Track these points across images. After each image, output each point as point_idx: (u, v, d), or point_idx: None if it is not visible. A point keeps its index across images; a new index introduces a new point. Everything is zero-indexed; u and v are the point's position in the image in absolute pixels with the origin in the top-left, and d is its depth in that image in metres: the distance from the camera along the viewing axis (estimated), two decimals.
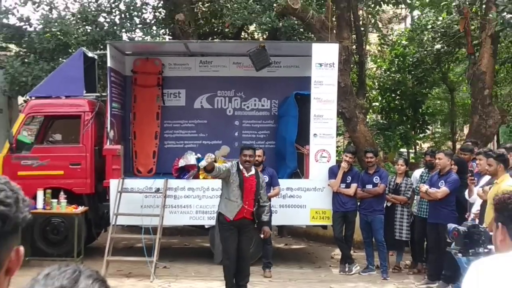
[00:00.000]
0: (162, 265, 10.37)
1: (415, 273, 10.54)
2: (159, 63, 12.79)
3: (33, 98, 11.81)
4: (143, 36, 15.45)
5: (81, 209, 10.70)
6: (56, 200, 10.55)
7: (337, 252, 11.27)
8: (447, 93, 19.43)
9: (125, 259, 10.28)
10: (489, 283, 2.44)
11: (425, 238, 10.38)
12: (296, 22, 14.82)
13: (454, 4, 14.99)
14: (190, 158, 11.55)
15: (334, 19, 13.64)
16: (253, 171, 8.50)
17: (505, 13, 10.82)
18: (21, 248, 1.51)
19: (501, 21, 10.99)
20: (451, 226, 3.58)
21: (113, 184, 10.59)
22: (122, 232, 10.93)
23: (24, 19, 15.51)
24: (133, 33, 15.61)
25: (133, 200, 10.53)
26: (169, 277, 9.98)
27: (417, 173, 10.86)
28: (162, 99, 12.85)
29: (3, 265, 1.45)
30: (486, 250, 3.07)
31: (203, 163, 8.06)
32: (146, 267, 9.85)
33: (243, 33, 16.26)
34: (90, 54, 12.04)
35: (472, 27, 13.59)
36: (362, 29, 17.71)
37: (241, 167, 8.31)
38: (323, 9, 14.21)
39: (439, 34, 17.32)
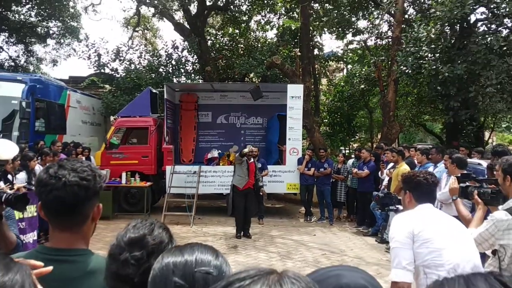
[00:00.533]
0: (198, 217, 10.37)
1: (349, 221, 10.55)
2: (196, 96, 12.81)
3: (119, 117, 11.83)
4: (186, 80, 15.45)
5: (149, 183, 10.70)
6: (133, 178, 10.58)
7: (302, 209, 11.25)
8: (368, 114, 19.41)
9: (175, 213, 10.25)
10: (417, 225, 2.51)
11: (354, 200, 10.42)
12: (277, 71, 14.82)
13: (372, 61, 15.01)
14: (214, 153, 11.63)
15: (300, 70, 13.65)
16: (252, 160, 8.90)
17: (402, 67, 10.82)
18: (100, 205, 1.58)
19: (400, 71, 11.00)
20: (374, 193, 3.58)
21: (168, 169, 10.60)
22: (173, 197, 10.90)
23: (114, 69, 15.50)
24: (180, 78, 15.62)
25: (180, 178, 10.53)
26: (202, 224, 9.97)
27: (350, 161, 10.86)
28: (198, 117, 12.87)
29: (90, 215, 1.52)
30: (395, 208, 3.08)
31: (245, 150, 8.77)
32: (188, 218, 9.88)
33: (246, 78, 16.25)
34: (154, 91, 12.08)
35: (383, 75, 13.59)
36: (317, 75, 17.71)
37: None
38: (294, 64, 14.20)
39: (363, 79, 17.31)
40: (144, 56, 16.01)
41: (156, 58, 15.65)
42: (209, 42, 16.78)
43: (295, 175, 10.75)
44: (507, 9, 9.13)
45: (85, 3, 21.14)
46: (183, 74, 15.58)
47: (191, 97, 12.75)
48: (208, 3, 16.31)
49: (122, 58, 15.58)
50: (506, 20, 9.68)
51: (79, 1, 22.77)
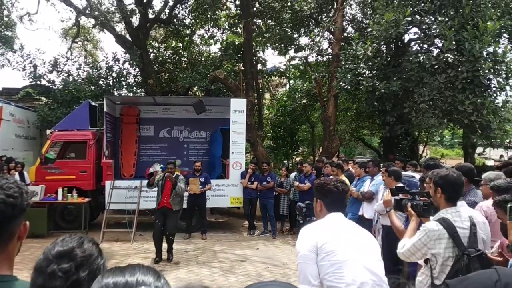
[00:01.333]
0: (139, 234, 10.06)
1: (292, 234, 10.63)
2: (137, 109, 12.53)
3: (56, 130, 11.33)
4: (128, 93, 15.11)
5: (87, 199, 10.28)
6: (70, 194, 10.13)
7: (246, 223, 11.22)
8: (310, 128, 19.83)
9: (115, 230, 9.89)
10: (321, 237, 2.43)
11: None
12: (221, 85, 14.83)
13: (313, 77, 15.40)
14: (156, 167, 11.29)
15: (244, 84, 13.75)
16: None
17: (341, 83, 11.17)
18: (27, 223, 1.50)
19: (339, 87, 11.35)
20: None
21: (107, 184, 10.23)
22: (113, 214, 10.54)
23: (51, 81, 14.88)
24: (121, 91, 15.24)
25: (120, 194, 10.20)
26: (143, 241, 9.65)
27: (292, 175, 10.99)
28: (139, 131, 12.59)
29: (16, 234, 1.45)
30: (314, 219, 3.10)
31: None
32: (129, 234, 9.57)
33: (189, 92, 16.13)
34: (93, 103, 11.71)
35: (323, 90, 13.96)
36: (261, 90, 17.91)
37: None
38: (237, 78, 14.28)
39: (305, 94, 17.70)
40: (83, 68, 15.47)
41: (96, 70, 15.16)
42: (152, 55, 16.52)
43: (238, 189, 10.72)
44: (438, 30, 9.71)
45: (21, 12, 20.27)
46: (124, 87, 15.20)
47: (133, 111, 12.45)
48: (150, 16, 16.09)
49: (59, 70, 14.97)
50: (436, 40, 10.28)
51: (14, 10, 21.57)
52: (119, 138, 12.26)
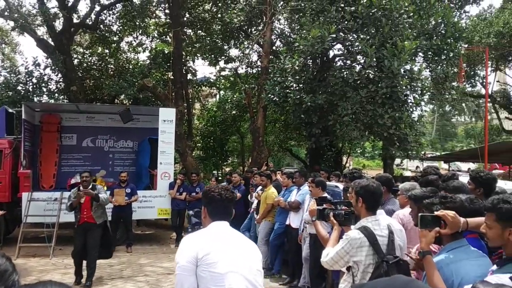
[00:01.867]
0: (59, 248, 9.50)
1: None
2: (59, 116, 11.91)
3: None
4: (49, 100, 14.32)
5: (1, 212, 9.51)
6: None
7: (173, 235, 11.00)
8: (239, 139, 19.97)
9: (32, 245, 9.28)
10: (203, 248, 2.37)
11: None
12: (149, 94, 14.52)
13: (242, 88, 15.55)
14: (78, 178, 10.80)
15: (173, 93, 13.56)
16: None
17: (270, 95, 11.36)
18: None
19: (268, 99, 11.54)
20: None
21: (24, 196, 9.57)
22: (31, 227, 9.88)
23: None
24: (41, 97, 14.42)
25: (39, 206, 9.58)
26: (63, 256, 9.12)
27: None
28: (60, 140, 11.96)
29: None
30: (202, 227, 3.02)
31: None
32: (48, 249, 9.01)
33: (116, 100, 15.61)
34: (10, 110, 10.99)
35: (253, 102, 14.12)
36: (190, 100, 17.76)
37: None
38: (167, 87, 14.05)
39: (234, 105, 17.82)
40: (0, 72, 14.49)
41: (14, 75, 14.23)
42: (76, 60, 15.81)
43: (166, 200, 10.49)
44: (360, 47, 10.20)
45: None
46: (45, 93, 14.39)
47: (54, 118, 11.81)
48: (75, 20, 15.42)
49: None
50: (359, 57, 10.78)
51: None
52: (38, 147, 11.56)
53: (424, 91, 10.63)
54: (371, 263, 2.97)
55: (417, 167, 33.41)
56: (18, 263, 8.19)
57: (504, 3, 23.03)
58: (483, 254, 2.62)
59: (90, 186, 7.35)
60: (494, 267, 2.28)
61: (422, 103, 11.17)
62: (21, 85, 14.04)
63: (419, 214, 2.65)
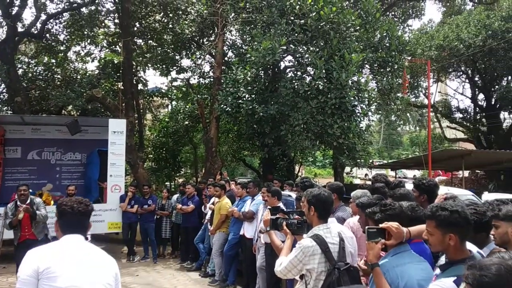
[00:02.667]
0: (2, 266, 9.03)
1: (174, 258, 10.42)
2: (2, 129, 11.38)
3: None
4: None
5: None
6: None
7: (125, 249, 10.70)
8: (193, 150, 19.81)
9: None
10: (45, 261, 2.32)
11: (179, 236, 10.35)
12: (99, 105, 14.15)
13: (195, 99, 15.47)
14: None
15: (123, 104, 13.28)
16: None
17: (222, 105, 11.36)
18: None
19: (220, 110, 11.55)
20: None
21: None
22: None
23: None
24: None
25: None
26: (7, 274, 8.69)
27: (175, 197, 10.79)
28: (4, 153, 11.41)
29: None
30: None
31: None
32: None
33: (63, 111, 15.10)
34: None
35: (205, 112, 14.08)
36: (142, 110, 17.46)
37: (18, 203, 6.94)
38: (117, 98, 13.75)
39: (187, 115, 17.68)
40: None
41: None
42: (21, 70, 15.16)
43: (117, 213, 10.20)
44: (309, 59, 10.44)
45: None
46: None
47: None
48: (20, 29, 14.82)
49: None
50: (309, 68, 11.03)
51: None
52: None
53: (371, 102, 11.01)
54: (323, 271, 3.03)
55: (365, 174, 34.39)
56: None
57: (443, 17, 24.35)
58: (424, 260, 2.77)
59: (28, 201, 6.99)
60: (437, 271, 2.39)
61: (369, 113, 11.57)
62: None
63: (366, 227, 2.77)
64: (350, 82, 10.04)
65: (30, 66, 16.17)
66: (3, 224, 9.04)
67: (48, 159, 12.08)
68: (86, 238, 2.65)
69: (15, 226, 6.89)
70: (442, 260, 2.50)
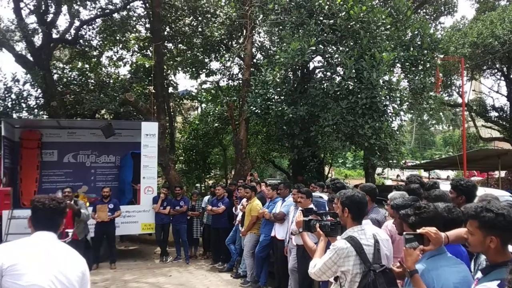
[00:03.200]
0: None
1: (205, 258, 10.51)
2: (39, 133, 11.76)
3: None
4: (28, 116, 14.12)
5: None
6: None
7: (158, 249, 10.87)
8: (222, 152, 19.95)
9: None
10: (10, 257, 2.31)
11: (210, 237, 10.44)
12: (131, 109, 14.43)
13: (224, 101, 15.59)
14: (60, 195, 10.65)
15: (155, 107, 13.51)
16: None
17: (251, 107, 11.41)
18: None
19: (250, 111, 11.59)
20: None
21: (5, 214, 9.33)
22: None
23: None
24: (21, 113, 14.19)
25: (20, 224, 9.34)
26: None
27: (206, 198, 10.90)
28: (41, 156, 11.78)
29: None
30: None
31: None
32: None
33: (97, 115, 15.48)
34: None
35: (235, 114, 14.15)
36: (172, 113, 17.70)
37: None
38: (149, 101, 13.99)
39: (216, 117, 17.83)
40: None
41: None
42: (56, 76, 15.63)
43: (150, 214, 10.38)
44: (339, 59, 10.36)
45: None
46: (25, 109, 14.17)
47: (34, 134, 11.65)
48: (54, 36, 15.28)
49: None
50: (338, 69, 10.95)
51: None
52: (18, 164, 11.36)
53: (403, 101, 10.82)
54: (358, 272, 3.00)
55: (397, 175, 33.81)
56: None
57: (477, 14, 23.70)
58: (461, 262, 2.70)
59: (72, 202, 7.39)
60: (479, 274, 2.33)
61: (401, 112, 11.37)
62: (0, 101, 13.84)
63: (404, 233, 2.71)
64: (381, 81, 9.92)
65: (65, 71, 16.64)
66: None
67: (83, 162, 12.38)
68: (67, 235, 2.71)
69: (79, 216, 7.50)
70: (483, 262, 2.43)
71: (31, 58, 14.64)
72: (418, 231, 2.66)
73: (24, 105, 14.19)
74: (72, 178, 12.00)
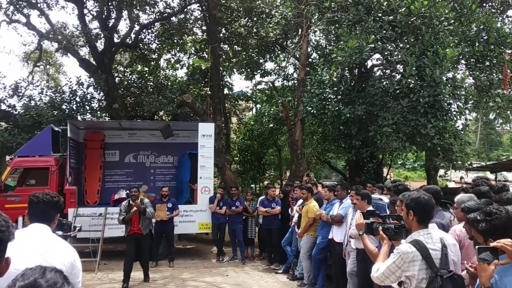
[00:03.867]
0: (103, 263, 9.74)
1: (261, 259, 10.55)
2: (102, 134, 12.29)
3: (16, 156, 10.95)
4: (92, 118, 14.85)
5: None
6: None
7: (214, 249, 11.05)
8: (277, 152, 19.96)
9: None
10: None
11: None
12: (188, 110, 14.79)
13: (279, 101, 15.60)
14: (122, 193, 11.15)
15: (211, 108, 13.76)
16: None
17: (307, 107, 11.32)
18: (9, 257, 1.51)
19: (305, 112, 11.50)
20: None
21: (70, 211, 9.90)
22: (77, 242, 10.15)
23: (11, 105, 14.46)
24: (85, 115, 14.96)
25: (84, 222, 9.83)
26: (108, 270, 9.37)
27: (260, 198, 10.96)
28: (104, 156, 12.31)
29: None
30: None
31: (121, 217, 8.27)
32: (93, 264, 9.24)
33: (156, 116, 16.00)
34: (56, 129, 11.40)
35: (290, 114, 14.13)
36: (228, 114, 17.95)
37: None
38: (205, 103, 14.29)
39: (271, 118, 17.87)
40: (46, 92, 15.13)
41: (59, 95, 14.86)
42: (117, 79, 16.34)
43: (207, 214, 10.58)
44: (399, 56, 10.06)
45: None
46: (89, 111, 14.93)
47: (97, 136, 12.20)
48: (116, 40, 15.98)
49: (21, 94, 14.59)
50: (398, 66, 10.63)
51: None
52: (82, 164, 11.94)
53: (468, 99, 10.32)
54: (424, 278, 2.88)
55: (461, 178, 32.31)
56: None
57: None
58: None
59: (139, 200, 8.21)
60: None
61: (466, 111, 10.84)
62: (65, 104, 14.64)
63: (476, 247, 2.54)
64: (444, 78, 9.50)
65: (126, 74, 17.37)
66: (104, 223, 9.83)
67: (143, 162, 12.80)
68: (70, 229, 2.81)
69: (127, 221, 8.17)
70: None
71: (94, 62, 15.41)
72: (492, 244, 2.48)
73: (88, 108, 14.96)
74: (132, 178, 12.44)
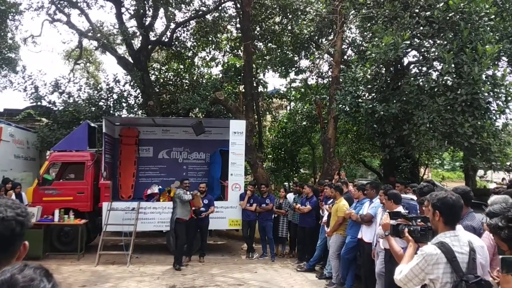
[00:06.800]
0: (135, 256, 9.94)
1: (291, 257, 10.49)
2: (137, 130, 12.55)
3: (54, 151, 11.32)
4: (127, 114, 15.16)
5: (83, 221, 10.18)
6: (67, 216, 10.03)
7: (244, 245, 11.09)
8: (310, 150, 19.79)
9: (111, 252, 9.79)
10: None
11: (296, 235, 10.41)
12: (221, 107, 14.86)
13: (313, 99, 15.43)
14: (154, 189, 11.34)
15: (244, 106, 13.77)
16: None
17: (341, 105, 11.14)
18: (26, 242, 1.53)
19: (339, 110, 11.32)
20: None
21: (105, 205, 10.15)
22: (110, 236, 10.43)
23: (52, 102, 14.97)
24: (121, 112, 15.29)
25: (117, 215, 10.09)
26: (139, 264, 9.56)
27: (290, 196, 10.90)
28: (138, 152, 12.56)
29: (17, 253, 1.51)
30: None
31: (188, 197, 9.35)
32: (125, 257, 9.44)
33: (190, 113, 16.18)
34: (92, 124, 11.72)
35: (323, 112, 13.95)
36: (261, 112, 17.94)
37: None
38: (237, 100, 14.31)
39: (305, 116, 17.72)
40: (84, 89, 15.58)
41: (96, 92, 15.27)
42: (153, 76, 16.62)
43: (237, 211, 10.62)
44: (436, 53, 9.72)
45: (25, 35, 20.49)
46: (125, 108, 15.26)
47: (132, 132, 12.47)
48: (152, 38, 16.24)
49: (61, 91, 15.07)
50: (435, 63, 10.27)
51: (18, 33, 21.89)
52: (117, 159, 12.24)
53: (509, 98, 9.86)
54: (449, 282, 2.75)
55: (503, 179, 31.01)
56: (98, 269, 8.66)
57: None
58: None
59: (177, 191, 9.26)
60: None
61: (507, 110, 10.36)
62: (102, 100, 15.03)
63: (499, 257, 2.39)
64: (483, 76, 9.11)
65: (161, 72, 17.64)
66: (137, 217, 10.01)
67: (176, 158, 12.99)
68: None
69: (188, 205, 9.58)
70: None
71: (131, 60, 15.70)
72: None
73: (124, 104, 15.29)
74: (165, 174, 12.64)
